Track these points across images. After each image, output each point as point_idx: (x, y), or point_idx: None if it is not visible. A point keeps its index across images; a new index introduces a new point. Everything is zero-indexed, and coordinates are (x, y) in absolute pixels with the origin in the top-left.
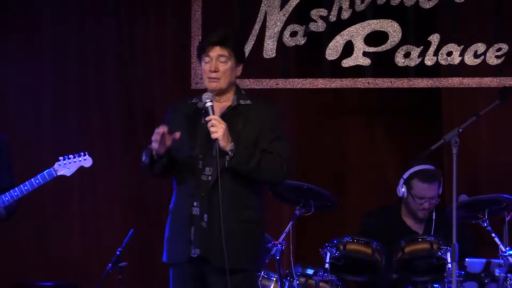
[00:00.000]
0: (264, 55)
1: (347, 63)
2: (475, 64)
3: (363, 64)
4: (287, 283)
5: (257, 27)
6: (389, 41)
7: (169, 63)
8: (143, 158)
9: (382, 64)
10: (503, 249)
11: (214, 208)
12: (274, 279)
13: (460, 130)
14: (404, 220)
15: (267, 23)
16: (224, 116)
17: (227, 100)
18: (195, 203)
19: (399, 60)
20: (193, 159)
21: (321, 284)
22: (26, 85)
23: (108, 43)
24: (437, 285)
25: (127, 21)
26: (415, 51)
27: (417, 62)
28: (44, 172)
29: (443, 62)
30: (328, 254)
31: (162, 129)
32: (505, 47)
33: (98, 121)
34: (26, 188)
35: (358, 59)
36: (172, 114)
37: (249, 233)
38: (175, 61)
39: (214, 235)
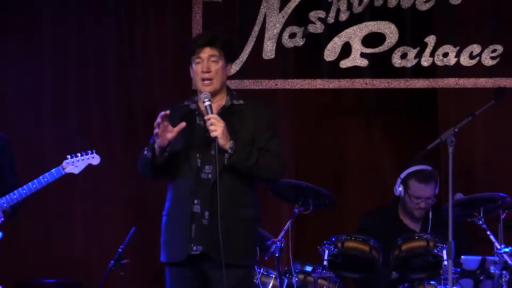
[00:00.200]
0: (263, 56)
1: (345, 64)
2: (470, 65)
3: (361, 65)
4: (286, 280)
5: (256, 28)
6: (386, 42)
7: (169, 63)
8: (145, 152)
9: (380, 65)
10: (498, 247)
11: (215, 205)
12: (273, 276)
13: (456, 130)
14: (401, 219)
15: (267, 25)
16: (219, 116)
17: (221, 100)
18: (195, 201)
19: (396, 61)
20: (191, 158)
21: (319, 281)
22: (26, 85)
23: (108, 43)
24: (433, 282)
25: (127, 21)
26: (412, 52)
27: (414, 63)
28: (52, 170)
29: (439, 63)
30: (326, 252)
31: (164, 112)
32: (500, 48)
33: (98, 121)
34: (34, 186)
35: (356, 60)
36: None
37: (248, 230)
38: (175, 61)
39: (215, 231)
